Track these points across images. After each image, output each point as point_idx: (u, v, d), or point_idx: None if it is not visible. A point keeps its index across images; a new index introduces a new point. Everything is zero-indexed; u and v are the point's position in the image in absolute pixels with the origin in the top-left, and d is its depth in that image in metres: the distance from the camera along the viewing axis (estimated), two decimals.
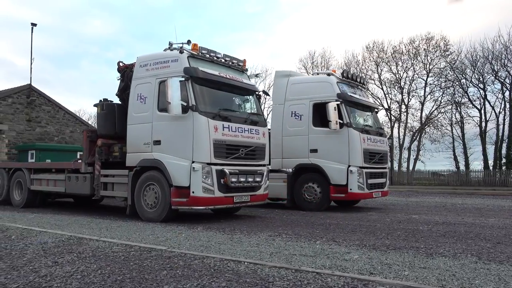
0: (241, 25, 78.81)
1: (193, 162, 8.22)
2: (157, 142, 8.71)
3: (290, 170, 11.76)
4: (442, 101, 37.68)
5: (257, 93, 10.25)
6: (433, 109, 38.16)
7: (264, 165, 9.71)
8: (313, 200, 11.20)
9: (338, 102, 10.84)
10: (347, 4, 69.14)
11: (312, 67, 43.49)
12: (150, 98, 9.00)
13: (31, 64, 25.04)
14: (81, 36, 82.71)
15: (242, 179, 8.87)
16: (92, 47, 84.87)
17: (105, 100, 10.42)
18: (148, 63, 9.30)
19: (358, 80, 12.37)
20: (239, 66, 9.96)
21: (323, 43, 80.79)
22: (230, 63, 9.74)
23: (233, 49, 76.61)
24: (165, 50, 9.26)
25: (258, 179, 9.38)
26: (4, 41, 78.53)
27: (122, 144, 9.63)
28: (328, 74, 11.88)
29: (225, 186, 8.51)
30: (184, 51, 8.83)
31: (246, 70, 10.33)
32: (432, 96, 38.38)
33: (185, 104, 8.23)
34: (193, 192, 8.18)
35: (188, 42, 8.95)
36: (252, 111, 9.94)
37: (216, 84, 9.06)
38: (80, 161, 10.65)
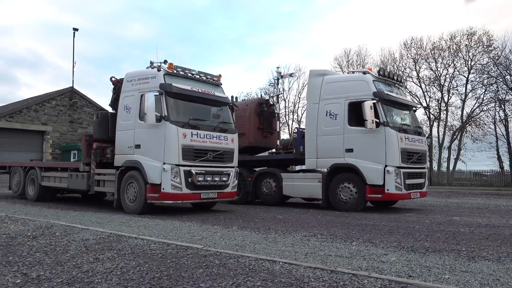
0: (277, 25, 78.71)
1: (164, 163, 9.58)
2: (138, 146, 10.18)
3: (325, 170, 11.64)
4: (484, 98, 36.18)
5: (229, 104, 11.48)
6: (475, 107, 36.71)
7: (232, 167, 10.88)
8: (348, 200, 11.03)
9: (375, 101, 10.62)
10: (383, 2, 67.71)
11: (348, 66, 42.90)
12: (134, 109, 10.43)
13: (73, 67, 26.13)
14: (122, 40, 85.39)
15: (208, 178, 10.19)
16: (134, 50, 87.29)
17: (101, 109, 11.48)
18: (133, 78, 10.76)
19: (395, 78, 12.07)
20: (213, 81, 11.24)
21: (358, 41, 79.49)
22: (204, 78, 11.00)
23: (268, 49, 76.61)
24: (147, 68, 10.61)
25: (224, 179, 10.64)
26: (51, 45, 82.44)
27: (113, 147, 11.00)
28: (364, 73, 11.66)
29: (192, 184, 9.82)
30: (161, 69, 10.20)
31: (221, 84, 11.48)
32: (473, 94, 36.94)
33: (158, 114, 9.59)
34: (163, 189, 9.55)
35: (165, 61, 10.34)
36: (223, 120, 11.04)
37: (188, 97, 10.29)
38: (80, 161, 12.13)
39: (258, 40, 77.93)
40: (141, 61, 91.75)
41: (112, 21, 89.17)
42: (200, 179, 9.96)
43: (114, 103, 11.44)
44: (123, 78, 11.15)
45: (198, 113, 10.55)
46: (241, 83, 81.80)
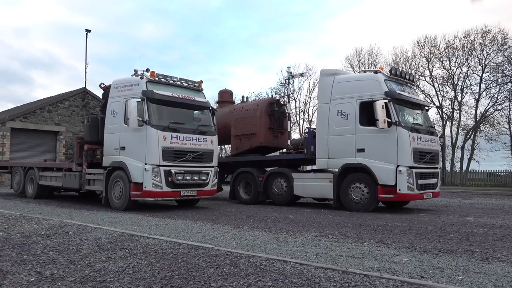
0: (289, 25, 78.61)
1: (146, 164, 10.43)
2: (123, 148, 11.02)
3: (336, 170, 11.58)
4: (498, 97, 35.68)
5: (209, 108, 12.22)
6: (489, 106, 36.24)
7: (211, 167, 11.67)
8: (360, 200, 10.96)
9: (386, 100, 10.53)
10: (396, 0, 67.16)
11: (359, 65, 42.65)
12: (119, 113, 11.24)
13: (85, 68, 26.42)
14: (135, 40, 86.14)
15: (188, 177, 10.98)
16: (147, 51, 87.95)
17: (91, 114, 13.03)
18: (119, 85, 11.62)
19: (407, 77, 11.95)
20: (195, 87, 12.05)
21: (370, 40, 78.94)
22: (186, 84, 11.82)
23: (280, 49, 76.48)
24: (132, 75, 11.41)
25: (203, 178, 11.43)
26: (66, 47, 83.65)
27: (102, 149, 11.81)
28: (376, 72, 11.57)
29: (172, 182, 10.62)
30: (144, 77, 11.04)
31: (202, 89, 12.27)
32: (487, 93, 36.45)
33: (140, 119, 10.41)
34: (145, 187, 10.40)
35: (147, 70, 11.15)
36: (204, 123, 11.87)
37: (169, 103, 11.11)
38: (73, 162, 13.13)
39: (270, 40, 77.93)
40: (154, 61, 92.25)
41: (125, 22, 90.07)
42: (179, 178, 10.76)
43: (103, 108, 12.23)
44: (111, 85, 11.99)
45: (178, 117, 11.33)
46: (253, 83, 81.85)
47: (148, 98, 10.67)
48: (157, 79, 11.15)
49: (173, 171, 10.61)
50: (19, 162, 19.20)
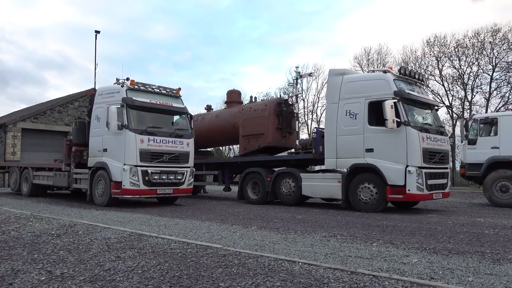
0: (299, 24, 78.28)
1: (124, 164, 11.32)
2: (105, 150, 11.99)
3: (345, 170, 11.53)
4: (510, 97, 35.27)
5: (186, 113, 13.11)
6: (500, 106, 35.81)
7: (187, 167, 12.52)
8: (369, 201, 10.90)
9: (395, 100, 10.47)
10: (406, 0, 66.68)
11: (368, 65, 42.41)
12: (103, 118, 12.13)
13: (95, 69, 26.47)
14: (147, 41, 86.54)
15: (163, 177, 11.80)
16: (159, 51, 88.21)
17: (79, 118, 14.74)
18: (103, 93, 12.65)
19: (417, 76, 11.85)
20: (173, 94, 13.00)
21: (380, 39, 78.35)
22: (164, 91, 12.78)
23: (289, 48, 76.20)
24: (114, 84, 12.36)
25: (179, 177, 12.28)
26: (79, 47, 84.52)
27: (88, 151, 12.72)
28: (384, 71, 11.49)
29: (149, 181, 11.49)
30: (124, 85, 11.98)
31: (180, 96, 13.20)
32: (498, 92, 36.06)
33: (119, 123, 11.36)
34: (123, 185, 11.29)
35: (127, 79, 12.09)
36: (181, 127, 12.79)
37: (147, 109, 12.03)
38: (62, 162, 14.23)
39: (280, 40, 77.71)
40: (167, 62, 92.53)
41: (136, 23, 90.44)
42: (155, 177, 11.59)
43: (90, 113, 13.21)
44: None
45: (156, 121, 12.24)
46: (265, 83, 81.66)
47: (127, 105, 11.60)
48: (136, 87, 12.07)
49: (149, 171, 11.46)
50: (15, 162, 20.64)
